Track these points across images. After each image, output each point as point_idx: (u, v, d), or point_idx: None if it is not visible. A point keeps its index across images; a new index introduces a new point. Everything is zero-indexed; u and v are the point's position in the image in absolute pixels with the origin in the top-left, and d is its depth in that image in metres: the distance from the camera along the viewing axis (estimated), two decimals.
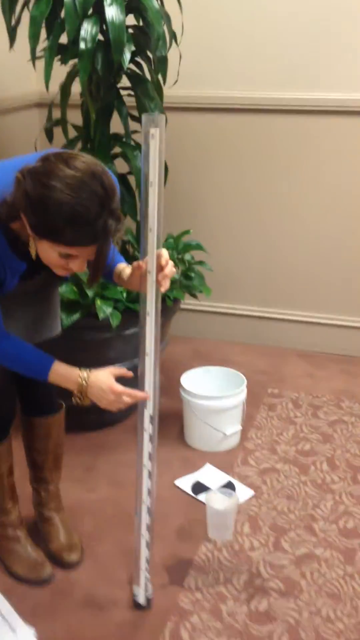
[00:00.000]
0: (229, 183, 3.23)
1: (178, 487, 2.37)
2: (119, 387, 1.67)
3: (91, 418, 2.66)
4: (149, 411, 1.73)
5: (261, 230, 3.27)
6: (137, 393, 1.68)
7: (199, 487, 2.36)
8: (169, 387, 2.93)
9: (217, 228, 3.29)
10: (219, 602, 1.89)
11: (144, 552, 1.84)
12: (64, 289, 2.29)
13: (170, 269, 1.63)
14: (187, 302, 2.79)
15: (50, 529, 2.09)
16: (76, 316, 2.31)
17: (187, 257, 2.65)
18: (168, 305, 2.51)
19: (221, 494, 2.17)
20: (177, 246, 2.65)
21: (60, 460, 2.12)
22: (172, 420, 2.74)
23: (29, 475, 2.12)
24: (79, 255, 1.50)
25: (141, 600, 1.87)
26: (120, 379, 1.71)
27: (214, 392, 2.67)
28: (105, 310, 2.29)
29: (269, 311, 3.38)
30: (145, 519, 1.82)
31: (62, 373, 1.68)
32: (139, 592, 1.87)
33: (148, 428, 1.74)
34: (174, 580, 1.98)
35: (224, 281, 3.29)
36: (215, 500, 2.14)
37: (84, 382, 1.66)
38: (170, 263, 1.64)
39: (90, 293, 2.29)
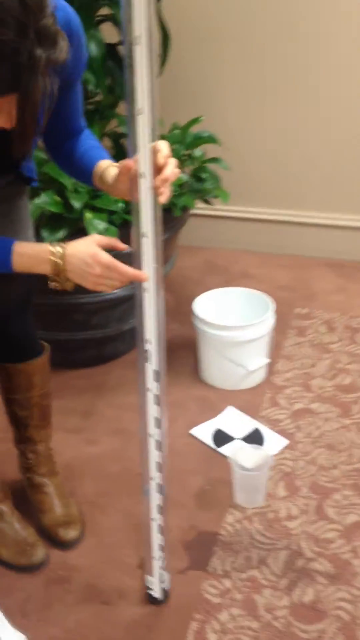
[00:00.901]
0: (244, 57, 2.66)
1: (195, 437, 1.97)
2: (107, 257, 1.20)
3: (87, 353, 2.23)
4: (152, 365, 1.29)
5: (284, 118, 2.72)
6: (131, 270, 1.20)
7: (220, 437, 1.96)
8: (180, 309, 2.50)
9: (230, 116, 2.74)
10: (254, 593, 1.52)
11: (157, 539, 1.45)
12: (42, 199, 1.80)
13: (172, 169, 1.15)
14: (198, 206, 2.28)
15: (42, 499, 1.71)
16: (61, 233, 1.84)
17: (197, 153, 2.13)
18: (175, 215, 2.02)
19: (249, 448, 1.77)
20: (185, 139, 2.13)
21: (49, 413, 1.71)
22: (185, 352, 2.32)
23: (12, 435, 1.72)
24: (1, 107, 1.02)
25: (156, 593, 1.50)
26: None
27: (234, 319, 2.23)
28: (97, 225, 1.81)
29: (292, 214, 2.89)
30: (155, 498, 1.42)
31: (29, 253, 1.22)
32: (154, 584, 1.50)
33: (153, 387, 1.31)
34: (196, 562, 1.60)
35: (240, 180, 2.76)
36: (243, 458, 1.74)
37: (58, 259, 1.20)
38: (172, 161, 1.16)
39: (77, 204, 1.80)
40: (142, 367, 1.31)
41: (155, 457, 1.38)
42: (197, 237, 2.92)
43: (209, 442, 1.95)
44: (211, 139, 2.17)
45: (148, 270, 1.21)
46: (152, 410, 1.34)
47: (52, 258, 1.20)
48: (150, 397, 1.33)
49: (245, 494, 1.74)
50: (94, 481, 1.84)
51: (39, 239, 1.82)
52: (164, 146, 1.15)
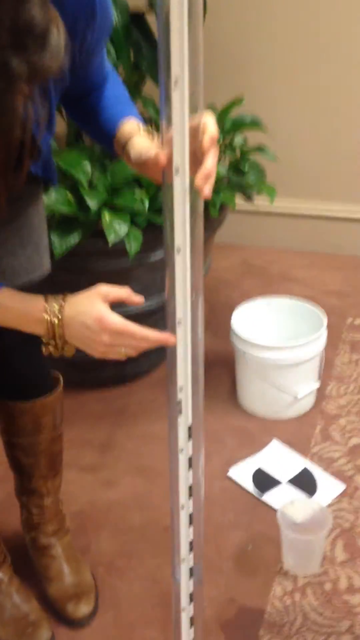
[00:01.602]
0: (294, 26, 2.31)
1: (233, 480, 1.66)
2: (117, 321, 0.91)
3: (106, 372, 1.93)
4: (186, 419, 0.98)
5: (340, 99, 2.37)
6: (152, 334, 0.91)
7: (263, 480, 1.65)
8: (213, 319, 2.19)
9: (277, 97, 2.40)
10: None
11: (187, 634, 1.15)
12: (53, 199, 1.49)
13: (212, 161, 0.83)
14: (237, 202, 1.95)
15: (48, 564, 1.41)
16: (75, 238, 1.52)
17: (238, 140, 1.80)
18: (212, 216, 1.70)
19: (302, 503, 1.45)
20: (223, 124, 1.81)
21: (59, 461, 1.41)
22: (219, 371, 2.00)
23: (14, 484, 1.42)
24: None
25: None
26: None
27: (278, 335, 1.91)
28: (117, 229, 1.49)
29: (346, 209, 2.54)
30: (186, 585, 1.11)
31: (17, 307, 0.94)
32: None
33: (186, 447, 1.00)
34: None
35: (285, 171, 2.41)
36: (294, 514, 1.43)
37: (54, 317, 0.92)
38: (216, 150, 0.84)
39: (93, 203, 1.49)
40: (173, 422, 1.00)
41: (188, 534, 1.07)
42: (233, 234, 2.59)
43: (250, 486, 1.63)
44: (254, 124, 1.83)
45: (183, 301, 0.89)
46: (185, 476, 1.03)
47: (46, 316, 0.91)
48: (183, 461, 1.02)
49: (296, 559, 1.43)
50: (112, 535, 1.54)
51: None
52: (210, 124, 0.82)
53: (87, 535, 1.53)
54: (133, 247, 1.52)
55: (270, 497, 1.60)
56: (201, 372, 0.97)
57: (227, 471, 1.68)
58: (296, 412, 1.83)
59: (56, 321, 0.91)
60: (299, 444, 1.75)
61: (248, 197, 1.85)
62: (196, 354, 0.95)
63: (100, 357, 0.93)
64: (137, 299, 0.94)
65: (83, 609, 1.36)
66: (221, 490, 1.63)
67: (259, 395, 1.83)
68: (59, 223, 1.52)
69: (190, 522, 1.06)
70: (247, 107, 1.95)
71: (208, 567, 1.43)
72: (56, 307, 0.91)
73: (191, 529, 1.07)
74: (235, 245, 2.66)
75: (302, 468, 1.67)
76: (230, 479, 1.66)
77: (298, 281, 2.43)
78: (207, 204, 1.69)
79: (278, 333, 1.93)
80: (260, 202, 2.04)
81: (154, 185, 1.56)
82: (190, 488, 1.04)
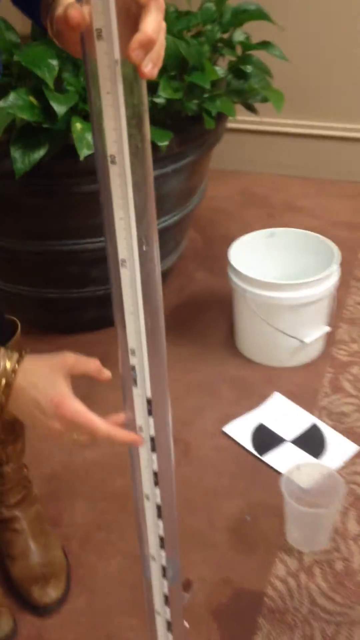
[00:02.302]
0: None
1: (230, 437, 1.44)
2: (79, 411, 0.72)
3: (86, 315, 1.70)
4: (142, 390, 0.76)
5: None
6: (119, 434, 0.75)
7: (264, 438, 1.43)
8: (209, 253, 1.95)
9: None
10: None
11: (165, 638, 0.94)
12: (11, 101, 1.22)
13: (157, 20, 0.53)
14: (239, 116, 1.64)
15: (12, 540, 1.22)
16: (40, 153, 1.26)
17: (239, 36, 1.51)
18: (207, 127, 1.42)
19: (309, 467, 1.24)
20: (222, 17, 1.51)
21: (20, 423, 1.17)
22: (215, 312, 1.77)
23: None
24: None
25: None
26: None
27: (283, 271, 1.67)
28: (90, 140, 1.23)
29: (356, 129, 2.25)
30: (160, 585, 0.90)
31: None
32: None
33: (147, 425, 0.79)
34: None
35: (292, 79, 2.10)
36: (300, 481, 1.22)
37: (1, 378, 0.71)
38: (160, 5, 0.54)
39: (61, 108, 1.22)
40: (127, 394, 0.77)
41: (157, 528, 0.85)
42: (232, 158, 2.32)
43: (249, 445, 1.42)
44: (259, 14, 1.52)
45: (125, 231, 0.63)
46: (148, 461, 0.80)
47: None
48: (147, 438, 0.79)
49: (302, 532, 1.22)
50: (88, 504, 1.33)
51: (7, 159, 1.25)
52: None
53: (60, 504, 1.33)
54: None
55: (272, 458, 1.38)
56: (161, 326, 0.72)
57: (223, 428, 1.46)
58: (302, 360, 1.61)
59: (3, 383, 0.69)
60: (306, 397, 1.53)
61: (250, 107, 1.57)
62: (154, 305, 0.69)
63: (44, 437, 0.73)
64: (105, 374, 0.78)
65: (51, 593, 1.16)
66: (215, 449, 1.42)
67: (260, 340, 1.60)
68: (21, 134, 1.25)
69: (159, 515, 0.84)
70: None
71: (198, 541, 1.23)
72: (9, 366, 0.70)
73: (160, 523, 0.85)
74: (234, 171, 2.39)
75: (309, 425, 1.45)
76: (226, 436, 1.45)
77: (304, 211, 2.18)
78: (202, 114, 1.42)
79: (283, 269, 1.68)
80: (264, 115, 1.75)
81: None
82: (155, 474, 0.81)
